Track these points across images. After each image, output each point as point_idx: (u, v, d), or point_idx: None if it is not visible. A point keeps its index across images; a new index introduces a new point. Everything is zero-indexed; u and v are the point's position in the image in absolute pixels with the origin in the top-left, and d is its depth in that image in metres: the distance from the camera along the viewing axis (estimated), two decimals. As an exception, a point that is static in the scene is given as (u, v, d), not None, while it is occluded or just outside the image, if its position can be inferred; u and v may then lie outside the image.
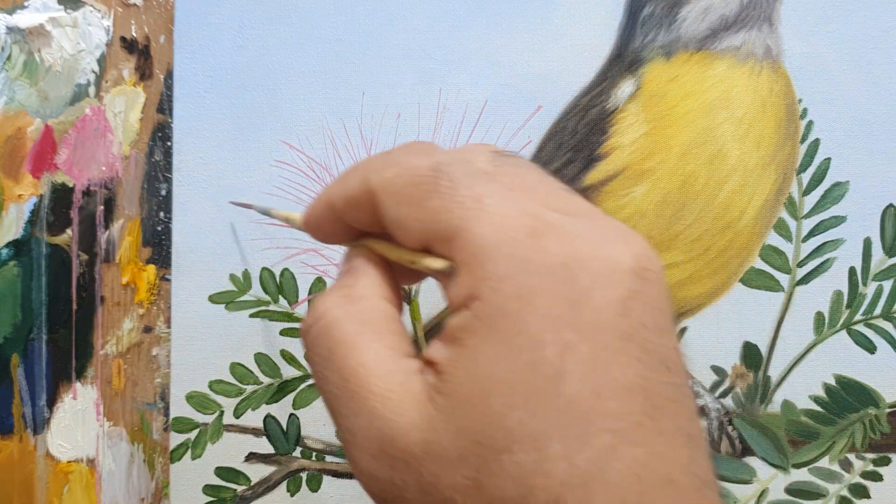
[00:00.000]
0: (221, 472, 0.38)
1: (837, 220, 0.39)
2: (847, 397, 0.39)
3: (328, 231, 0.25)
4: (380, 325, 0.22)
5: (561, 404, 0.18)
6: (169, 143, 0.39)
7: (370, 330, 0.22)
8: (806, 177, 0.39)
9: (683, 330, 0.39)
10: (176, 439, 0.38)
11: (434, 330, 0.39)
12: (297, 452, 0.39)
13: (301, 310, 0.39)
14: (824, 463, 0.39)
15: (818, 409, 0.39)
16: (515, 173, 0.22)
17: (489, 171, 0.22)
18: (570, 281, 0.19)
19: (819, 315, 0.39)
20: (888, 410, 0.39)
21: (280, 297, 0.39)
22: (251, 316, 0.38)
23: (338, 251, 0.39)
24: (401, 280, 0.24)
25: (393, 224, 0.22)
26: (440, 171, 0.21)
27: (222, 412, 0.38)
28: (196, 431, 0.38)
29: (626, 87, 0.38)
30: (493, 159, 0.22)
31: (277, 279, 0.38)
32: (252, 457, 0.39)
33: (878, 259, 0.39)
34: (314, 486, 0.39)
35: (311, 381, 0.39)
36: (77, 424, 0.39)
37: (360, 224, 0.24)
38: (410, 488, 0.20)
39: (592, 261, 0.19)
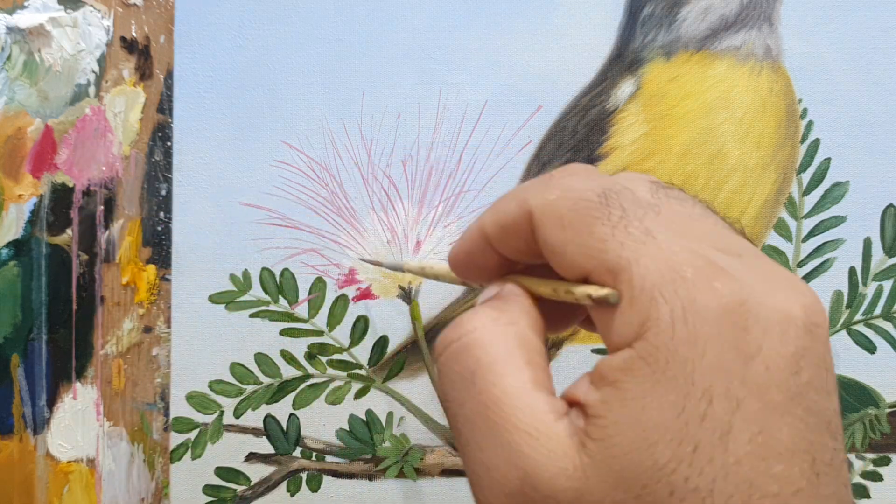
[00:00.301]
0: (221, 472, 0.38)
1: (837, 220, 0.39)
2: (847, 397, 0.39)
3: (477, 263, 0.23)
4: (529, 357, 0.20)
5: (728, 464, 0.17)
6: (169, 143, 0.39)
7: (520, 359, 0.20)
8: (806, 177, 0.39)
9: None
10: (176, 439, 0.38)
11: (433, 332, 0.39)
12: (297, 452, 0.39)
13: (301, 310, 0.39)
14: (824, 463, 0.39)
15: (818, 409, 0.39)
16: (680, 208, 0.21)
17: (654, 203, 0.20)
18: (741, 331, 0.18)
19: (819, 315, 0.39)
20: (888, 410, 0.39)
21: (280, 297, 0.38)
22: (251, 316, 0.38)
23: (338, 251, 0.39)
24: (547, 324, 0.22)
25: (551, 250, 0.20)
26: (609, 199, 0.20)
27: (222, 412, 0.38)
28: (196, 431, 0.38)
29: (626, 87, 0.38)
30: (654, 190, 0.21)
31: (277, 279, 0.38)
32: (252, 457, 0.39)
33: (878, 259, 0.39)
34: (314, 486, 0.39)
35: (311, 382, 0.39)
36: (77, 424, 0.39)
37: (513, 253, 0.22)
38: None
39: (763, 310, 0.18)
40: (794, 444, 0.18)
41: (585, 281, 0.20)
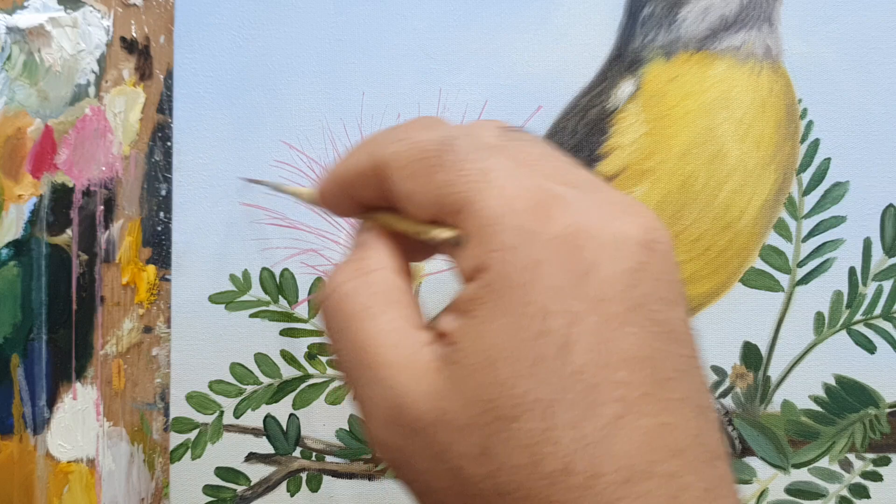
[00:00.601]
0: (221, 472, 0.38)
1: (837, 220, 0.39)
2: (847, 397, 0.39)
3: (339, 205, 0.25)
4: (391, 297, 0.22)
5: (568, 373, 0.18)
6: (169, 143, 0.39)
7: (382, 302, 0.22)
8: (806, 177, 0.39)
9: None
10: (176, 439, 0.38)
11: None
12: (297, 452, 0.39)
13: (301, 310, 0.39)
14: (824, 463, 0.39)
15: (818, 409, 0.39)
16: (522, 147, 0.22)
17: (496, 144, 0.22)
18: (576, 252, 0.19)
19: (819, 315, 0.39)
20: (888, 410, 0.39)
21: (280, 297, 0.39)
22: (251, 316, 0.38)
23: (338, 252, 0.39)
24: (411, 257, 0.24)
25: (401, 198, 0.22)
26: (446, 145, 0.21)
27: (222, 412, 0.38)
28: (196, 431, 0.38)
29: (625, 87, 0.38)
30: (499, 134, 0.22)
31: (277, 279, 0.38)
32: (252, 457, 0.39)
33: (878, 259, 0.39)
34: (314, 486, 0.39)
35: (310, 382, 0.39)
36: (77, 424, 0.39)
37: (368, 199, 0.24)
38: (421, 456, 0.20)
39: (599, 232, 0.19)
40: (638, 351, 0.19)
41: (435, 223, 0.22)
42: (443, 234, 0.21)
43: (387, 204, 0.23)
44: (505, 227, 0.19)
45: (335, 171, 0.25)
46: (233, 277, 0.38)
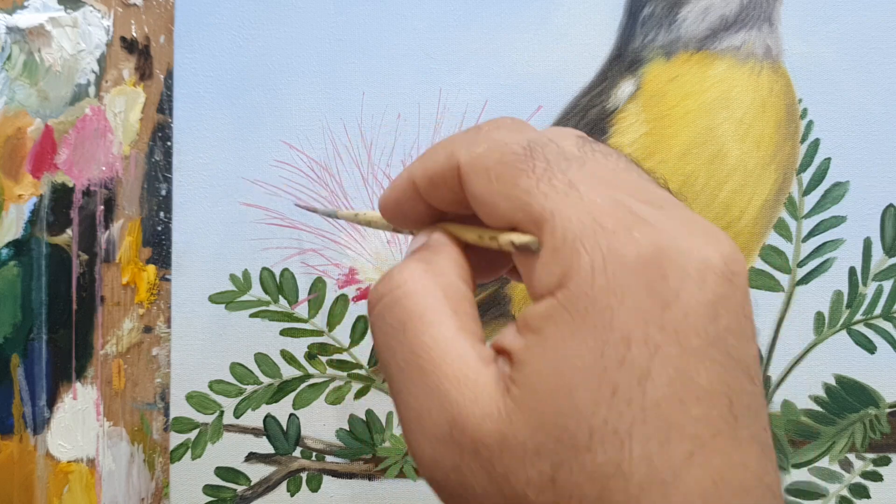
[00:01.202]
0: (221, 472, 0.38)
1: (837, 220, 0.39)
2: (847, 397, 0.39)
3: (406, 212, 0.24)
4: (458, 305, 0.21)
5: (647, 406, 0.18)
6: (169, 143, 0.39)
7: (448, 307, 0.21)
8: (806, 177, 0.39)
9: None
10: (176, 439, 0.38)
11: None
12: (297, 452, 0.39)
13: (301, 310, 0.39)
14: (824, 463, 0.39)
15: (818, 409, 0.39)
16: (605, 162, 0.21)
17: (579, 156, 0.21)
18: (661, 280, 0.18)
19: (819, 315, 0.39)
20: (888, 410, 0.39)
21: (280, 297, 0.38)
22: (251, 316, 0.38)
23: (337, 252, 0.39)
24: (475, 273, 0.23)
25: (478, 201, 0.21)
26: (535, 151, 0.20)
27: (222, 412, 0.38)
28: (196, 431, 0.38)
29: (626, 87, 0.38)
30: (580, 144, 0.22)
31: (277, 279, 0.38)
32: (252, 457, 0.39)
33: (878, 259, 0.39)
34: (314, 486, 0.39)
35: (311, 382, 0.39)
36: (77, 424, 0.39)
37: (441, 203, 0.23)
38: (478, 479, 0.19)
39: (683, 259, 0.19)
40: (712, 387, 0.18)
41: (513, 230, 0.21)
42: (519, 238, 0.20)
43: (459, 210, 0.22)
44: (592, 245, 0.19)
45: (406, 174, 0.23)
46: (233, 277, 0.38)
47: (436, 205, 0.23)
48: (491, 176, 0.21)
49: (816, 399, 0.39)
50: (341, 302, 0.38)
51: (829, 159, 0.39)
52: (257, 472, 0.39)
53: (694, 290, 0.18)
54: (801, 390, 0.39)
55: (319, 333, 0.39)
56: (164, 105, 0.39)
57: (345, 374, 0.39)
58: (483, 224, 0.22)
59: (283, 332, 0.38)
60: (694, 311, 0.18)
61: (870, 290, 0.39)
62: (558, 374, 0.18)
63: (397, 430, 0.39)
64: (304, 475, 0.39)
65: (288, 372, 0.39)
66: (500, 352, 0.20)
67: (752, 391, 0.19)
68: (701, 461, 0.18)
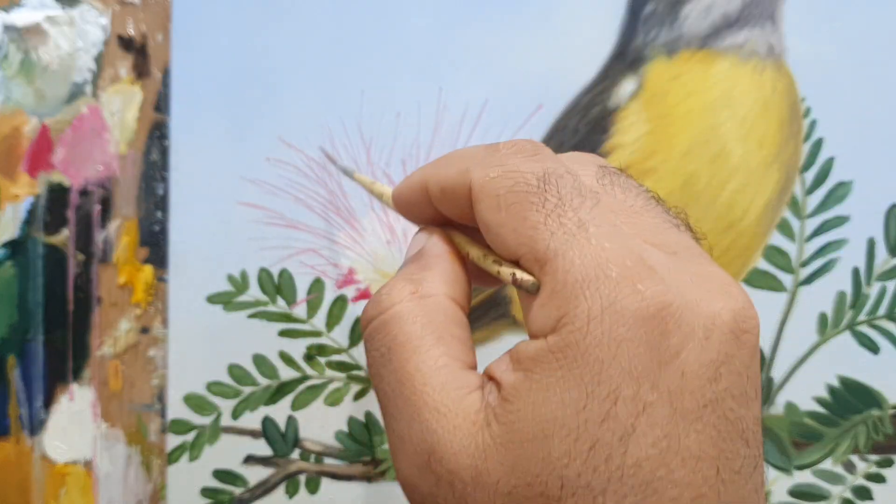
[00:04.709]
0: (219, 474, 0.38)
1: (841, 220, 0.38)
2: (850, 398, 0.39)
3: (416, 213, 0.24)
4: (444, 330, 0.21)
5: (625, 465, 0.17)
6: (166, 142, 0.38)
7: (433, 334, 0.21)
8: (809, 176, 0.39)
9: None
10: (173, 441, 0.38)
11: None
12: (296, 454, 0.38)
13: (300, 310, 0.38)
14: (827, 465, 0.39)
15: (821, 410, 0.39)
16: (623, 198, 0.21)
17: (596, 190, 0.20)
18: (661, 337, 0.18)
19: (822, 316, 0.39)
20: (892, 412, 0.39)
21: (278, 297, 0.38)
22: (249, 317, 0.38)
23: (337, 252, 0.38)
24: (474, 280, 0.23)
25: (486, 227, 0.21)
26: (549, 184, 0.20)
27: (220, 414, 0.38)
28: (193, 433, 0.38)
29: (627, 86, 0.38)
30: (600, 175, 0.21)
31: (276, 279, 0.38)
32: (250, 459, 0.38)
33: (882, 259, 0.39)
34: (312, 488, 0.38)
35: (309, 383, 0.38)
36: (74, 426, 0.39)
37: (451, 214, 0.23)
38: None
39: (688, 315, 0.18)
40: (701, 451, 0.18)
41: (517, 262, 0.20)
42: (520, 276, 0.20)
43: (466, 222, 0.22)
44: (592, 294, 0.18)
45: (420, 176, 0.23)
46: (230, 278, 0.38)
47: (445, 213, 0.23)
48: (501, 204, 0.20)
49: (819, 400, 0.39)
50: (340, 302, 0.38)
51: (832, 159, 0.39)
52: (255, 474, 0.38)
53: (695, 349, 0.18)
54: (804, 391, 0.39)
55: (318, 334, 0.38)
56: (162, 103, 0.39)
57: (344, 375, 0.38)
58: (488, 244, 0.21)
59: (282, 333, 0.38)
60: (693, 371, 0.18)
61: (873, 291, 0.39)
62: (538, 420, 0.18)
63: (397, 432, 0.38)
64: (302, 477, 0.38)
65: (286, 373, 0.38)
66: (491, 379, 0.20)
67: (745, 454, 0.18)
68: None
